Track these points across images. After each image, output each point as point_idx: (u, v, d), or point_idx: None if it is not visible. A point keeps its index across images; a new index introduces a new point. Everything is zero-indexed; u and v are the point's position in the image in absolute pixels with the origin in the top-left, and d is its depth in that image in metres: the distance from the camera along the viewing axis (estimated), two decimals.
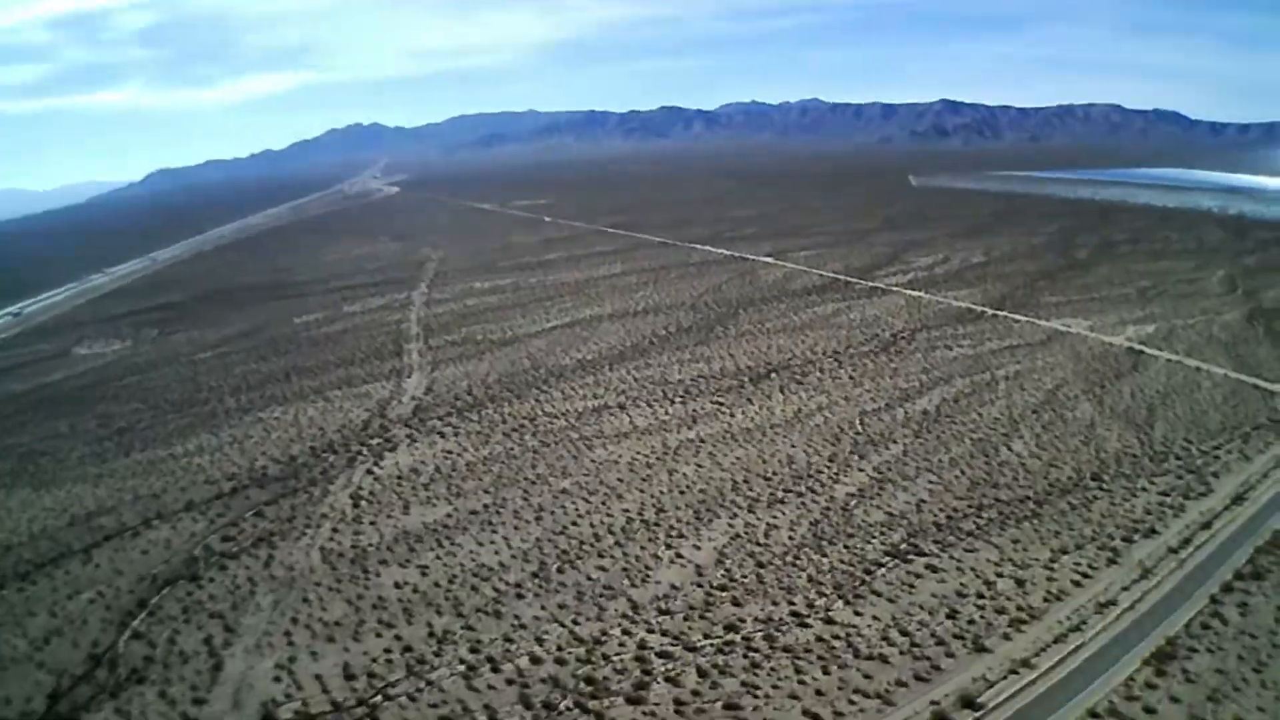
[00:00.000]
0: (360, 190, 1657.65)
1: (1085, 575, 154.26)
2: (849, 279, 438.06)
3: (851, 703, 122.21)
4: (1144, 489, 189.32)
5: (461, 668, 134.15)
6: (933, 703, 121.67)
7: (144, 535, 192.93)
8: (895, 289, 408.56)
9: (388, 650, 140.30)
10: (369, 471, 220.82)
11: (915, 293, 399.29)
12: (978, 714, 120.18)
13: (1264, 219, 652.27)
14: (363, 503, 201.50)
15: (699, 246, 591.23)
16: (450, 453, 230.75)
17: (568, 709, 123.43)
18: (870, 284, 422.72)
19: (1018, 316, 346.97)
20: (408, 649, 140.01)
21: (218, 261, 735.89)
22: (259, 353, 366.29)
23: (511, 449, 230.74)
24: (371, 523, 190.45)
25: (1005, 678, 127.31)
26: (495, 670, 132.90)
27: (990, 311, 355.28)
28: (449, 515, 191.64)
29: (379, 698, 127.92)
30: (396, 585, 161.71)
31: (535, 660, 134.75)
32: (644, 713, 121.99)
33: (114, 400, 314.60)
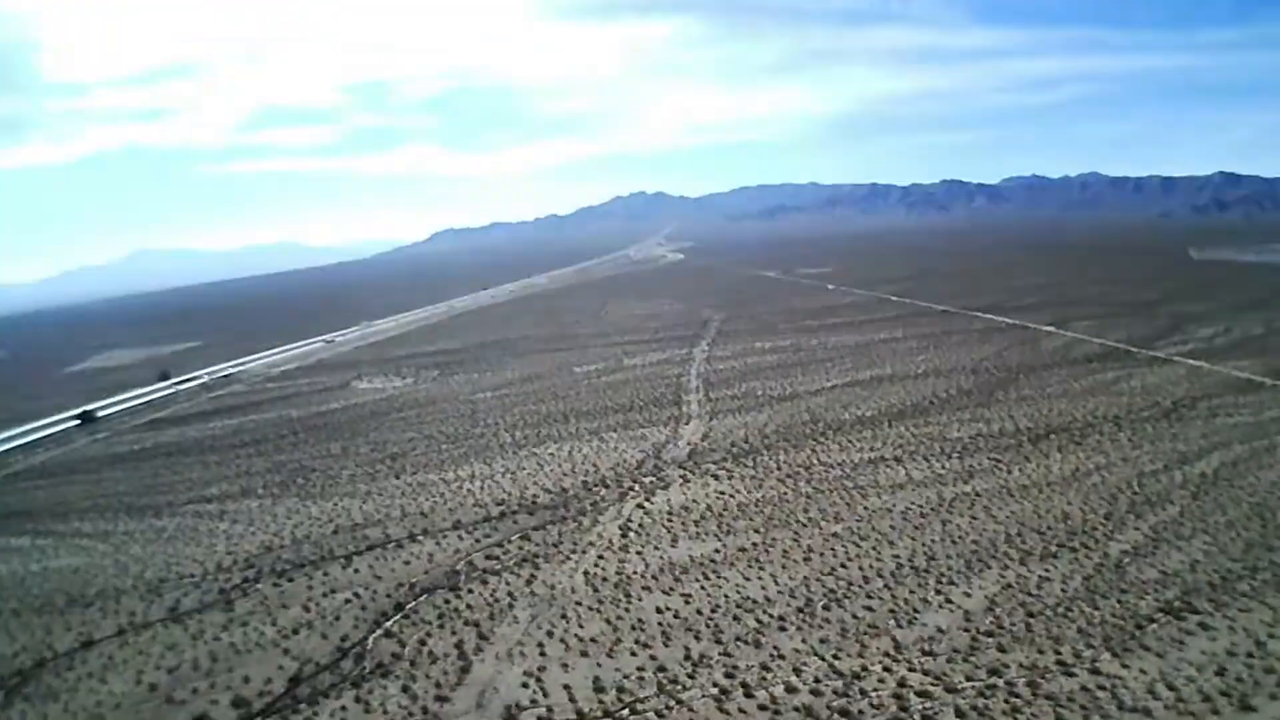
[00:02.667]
0: (644, 256, 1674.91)
1: None
2: (1130, 348, 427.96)
3: None
4: None
5: (714, 690, 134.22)
6: None
7: (408, 548, 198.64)
8: (1176, 358, 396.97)
9: (640, 669, 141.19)
10: (639, 506, 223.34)
11: (1196, 362, 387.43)
12: None
13: None
14: (631, 533, 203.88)
15: (980, 314, 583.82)
16: (723, 493, 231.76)
17: None
18: (1151, 353, 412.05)
19: None
20: (661, 669, 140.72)
21: (500, 315, 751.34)
22: (537, 396, 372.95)
23: (784, 493, 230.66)
24: (638, 552, 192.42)
25: None
26: (748, 696, 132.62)
27: (1270, 382, 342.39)
28: (717, 550, 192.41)
29: (625, 711, 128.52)
30: (658, 610, 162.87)
31: (790, 689, 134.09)
32: None
33: (389, 429, 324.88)
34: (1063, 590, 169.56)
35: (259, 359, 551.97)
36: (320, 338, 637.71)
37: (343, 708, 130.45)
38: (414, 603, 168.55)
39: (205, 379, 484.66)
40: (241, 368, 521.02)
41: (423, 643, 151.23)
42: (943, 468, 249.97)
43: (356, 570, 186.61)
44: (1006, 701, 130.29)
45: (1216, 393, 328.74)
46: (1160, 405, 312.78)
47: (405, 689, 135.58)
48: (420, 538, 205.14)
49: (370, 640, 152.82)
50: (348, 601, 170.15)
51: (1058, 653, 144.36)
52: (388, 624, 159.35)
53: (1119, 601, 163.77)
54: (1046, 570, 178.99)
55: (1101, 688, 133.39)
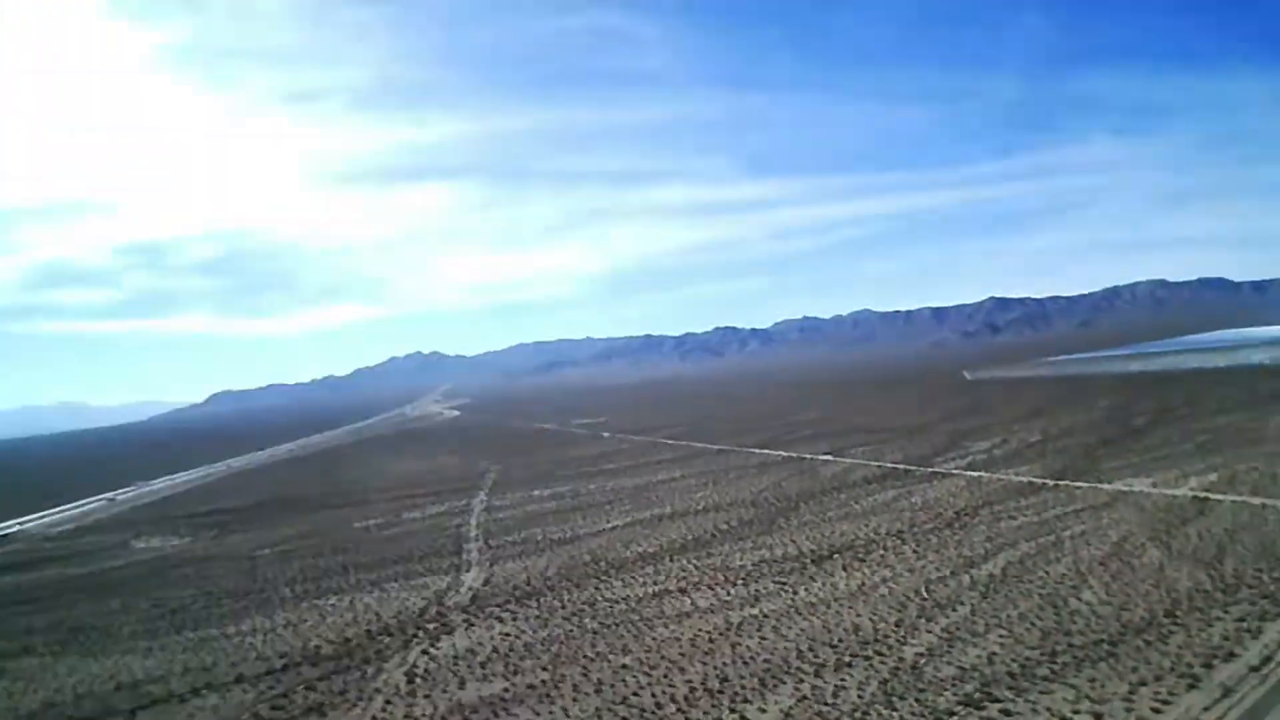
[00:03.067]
0: (421, 414, 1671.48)
1: (1165, 701, 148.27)
2: (908, 467, 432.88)
3: None
4: (1219, 618, 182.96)
5: None
6: None
7: (191, 702, 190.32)
8: (955, 472, 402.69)
9: None
10: (424, 652, 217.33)
11: (975, 473, 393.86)
12: None
13: None
14: (417, 679, 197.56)
15: (757, 450, 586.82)
16: (508, 635, 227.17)
17: None
18: (930, 470, 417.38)
19: (1079, 484, 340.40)
20: None
21: (277, 474, 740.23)
22: (316, 551, 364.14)
23: (570, 630, 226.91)
24: (426, 696, 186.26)
25: None
26: None
27: (1051, 483, 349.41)
28: (506, 689, 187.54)
29: None
30: None
31: None
32: None
33: (169, 586, 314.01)
34: (859, 696, 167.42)
35: (37, 519, 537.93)
36: (99, 498, 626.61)
37: None
38: None
39: None
40: (19, 528, 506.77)
41: None
42: (728, 594, 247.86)
43: None
44: None
45: (998, 499, 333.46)
46: (942, 516, 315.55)
47: None
48: (204, 691, 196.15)
49: None
50: None
51: None
52: None
53: (917, 699, 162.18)
54: (841, 680, 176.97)
55: None
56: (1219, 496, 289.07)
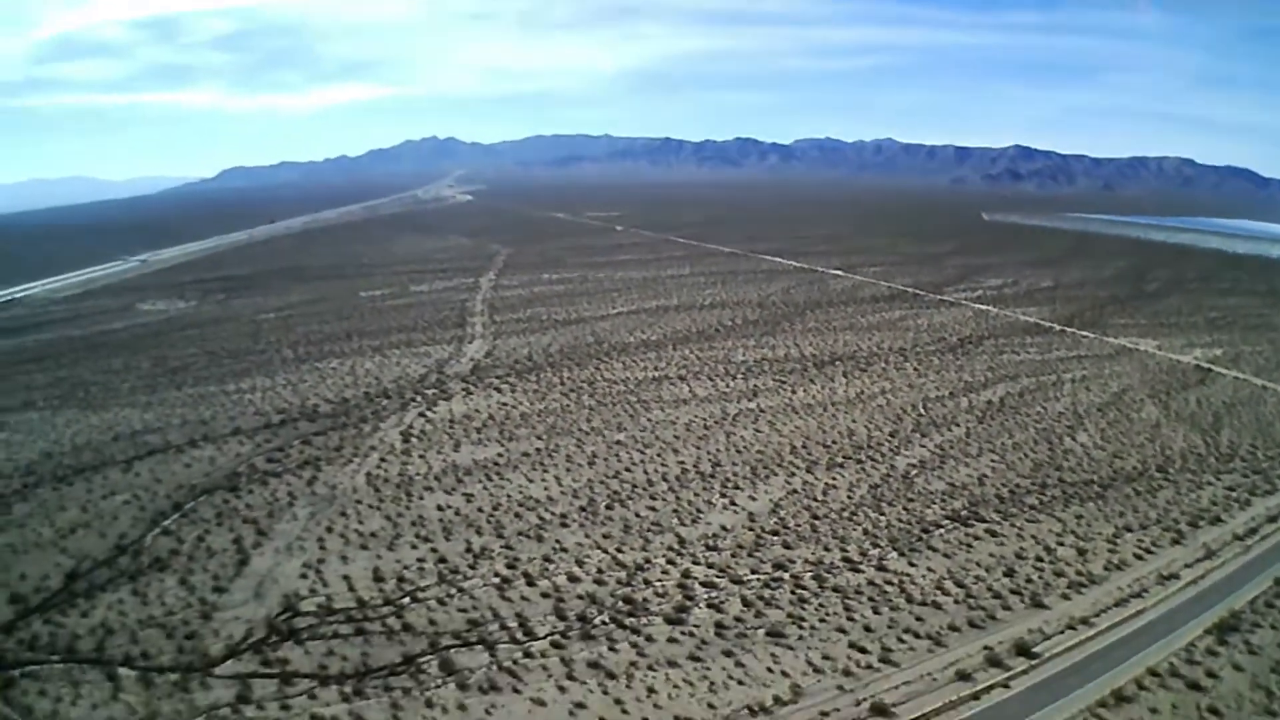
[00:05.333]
0: (434, 196, 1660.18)
1: (1148, 551, 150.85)
2: (917, 292, 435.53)
3: (901, 640, 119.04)
4: (1209, 483, 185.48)
5: (496, 580, 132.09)
6: (986, 648, 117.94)
7: (188, 453, 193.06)
8: (964, 303, 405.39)
9: (421, 560, 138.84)
10: (422, 415, 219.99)
11: (984, 306, 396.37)
12: (1033, 662, 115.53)
13: None
14: (413, 439, 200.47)
15: (768, 257, 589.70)
16: (506, 404, 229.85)
17: (603, 623, 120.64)
18: (939, 297, 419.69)
19: (1085, 333, 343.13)
20: (442, 560, 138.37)
21: (286, 246, 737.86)
22: (321, 317, 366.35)
23: (568, 405, 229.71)
24: (421, 456, 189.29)
25: (1063, 632, 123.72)
26: (530, 584, 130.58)
27: (1058, 327, 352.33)
28: (500, 455, 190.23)
29: (407, 599, 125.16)
30: (439, 508, 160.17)
31: (573, 579, 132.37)
32: (682, 632, 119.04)
33: (171, 346, 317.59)
34: (848, 497, 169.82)
35: (43, 284, 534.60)
36: (105, 264, 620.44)
37: (120, 600, 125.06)
38: (193, 503, 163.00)
39: None
40: (25, 293, 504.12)
41: (201, 539, 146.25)
42: (727, 386, 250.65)
43: (136, 474, 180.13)
44: (793, 593, 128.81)
45: (1003, 333, 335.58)
46: (946, 341, 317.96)
47: (182, 582, 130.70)
48: (200, 443, 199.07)
49: (148, 538, 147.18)
50: (126, 503, 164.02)
51: (844, 551, 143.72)
52: (166, 523, 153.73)
53: (905, 509, 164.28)
54: (832, 479, 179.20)
55: (889, 583, 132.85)
56: (1222, 370, 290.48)
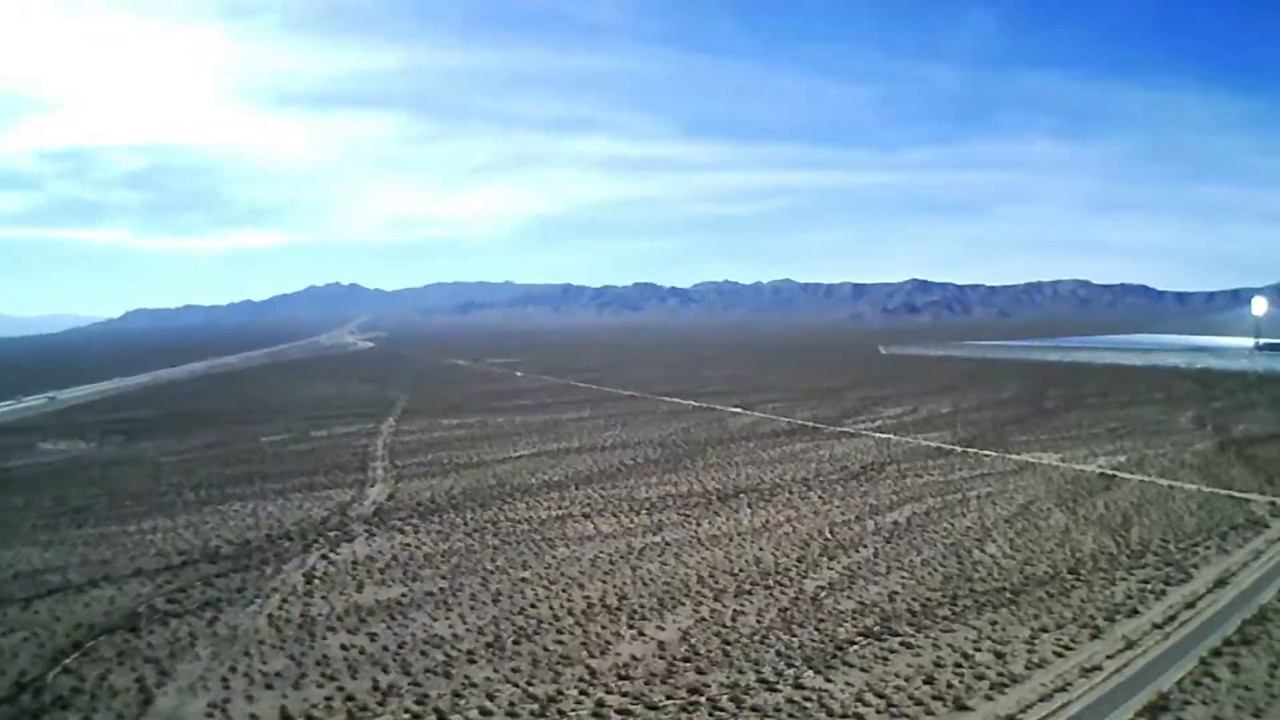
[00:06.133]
0: (336, 343, 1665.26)
1: (1067, 648, 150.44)
2: (817, 425, 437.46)
3: None
4: (1123, 579, 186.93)
5: (406, 717, 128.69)
6: None
7: (88, 592, 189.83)
8: (864, 433, 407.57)
9: (329, 698, 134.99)
10: (324, 557, 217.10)
11: (885, 435, 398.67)
12: None
13: (1230, 371, 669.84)
14: (315, 581, 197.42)
15: (668, 399, 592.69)
16: (409, 545, 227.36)
17: None
18: (839, 429, 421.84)
19: (988, 452, 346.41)
20: (350, 699, 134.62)
21: (188, 390, 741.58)
22: (222, 460, 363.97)
23: (471, 545, 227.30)
24: (323, 597, 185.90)
25: None
26: None
27: (960, 449, 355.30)
28: (403, 594, 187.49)
29: None
30: (343, 647, 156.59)
31: (485, 713, 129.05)
32: None
33: (72, 486, 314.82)
34: (758, 622, 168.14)
35: None
36: (6, 403, 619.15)
37: None
38: (93, 642, 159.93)
39: None
40: None
41: (103, 678, 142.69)
42: (631, 522, 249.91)
43: (36, 612, 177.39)
44: (711, 715, 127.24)
45: (906, 459, 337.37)
46: (849, 469, 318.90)
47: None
48: (101, 583, 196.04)
49: (49, 676, 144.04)
50: (25, 640, 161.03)
51: (759, 672, 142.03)
52: (66, 661, 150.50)
53: (817, 629, 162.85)
54: (741, 605, 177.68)
55: (808, 699, 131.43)
56: (1127, 475, 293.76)
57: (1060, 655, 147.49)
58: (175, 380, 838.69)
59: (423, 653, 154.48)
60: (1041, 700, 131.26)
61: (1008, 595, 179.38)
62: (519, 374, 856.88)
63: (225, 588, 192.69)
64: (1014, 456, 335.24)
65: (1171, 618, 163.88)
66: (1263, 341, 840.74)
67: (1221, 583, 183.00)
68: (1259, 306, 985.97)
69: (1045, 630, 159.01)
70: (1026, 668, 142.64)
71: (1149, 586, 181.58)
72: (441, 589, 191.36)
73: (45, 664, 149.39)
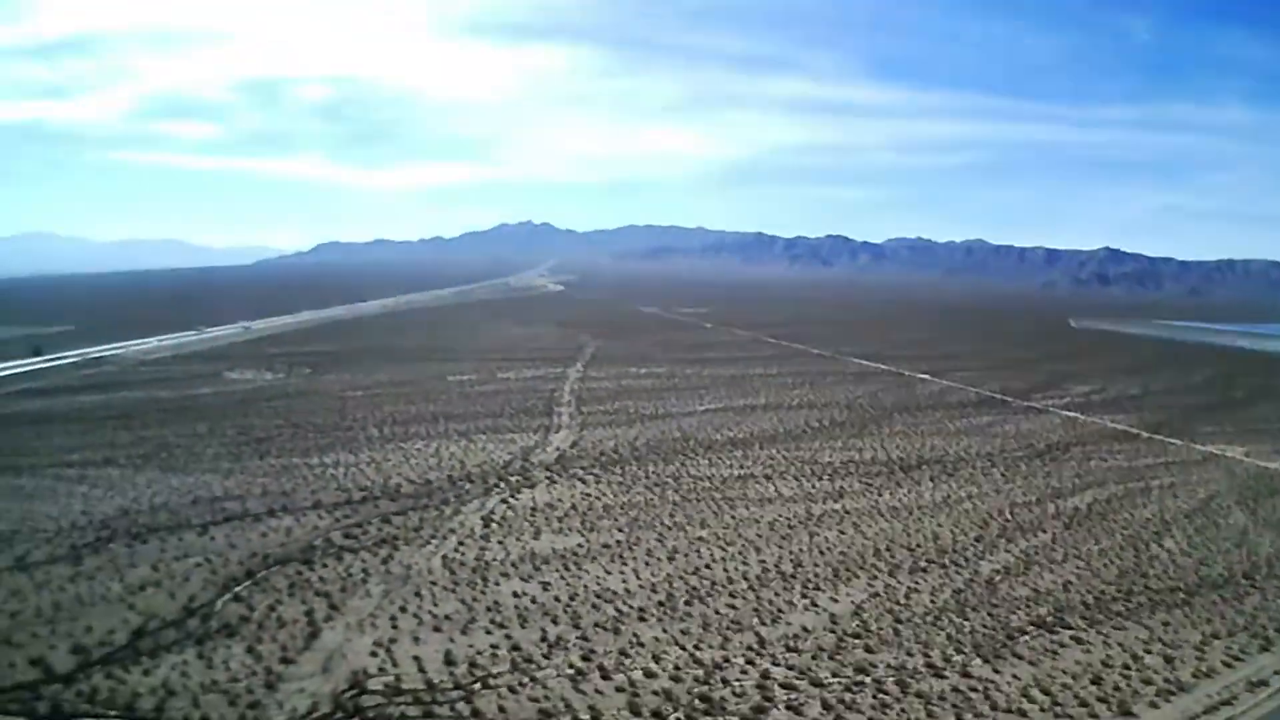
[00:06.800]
0: (525, 285, 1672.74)
1: (1237, 658, 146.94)
2: (1005, 398, 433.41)
3: None
4: None
5: (570, 671, 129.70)
6: None
7: (266, 522, 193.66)
8: (1051, 409, 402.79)
9: (495, 646, 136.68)
10: (504, 501, 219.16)
11: (1071, 414, 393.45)
12: None
13: None
14: (493, 524, 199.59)
15: (856, 360, 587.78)
16: (589, 495, 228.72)
17: None
18: (1026, 404, 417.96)
19: (1173, 440, 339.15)
20: (516, 648, 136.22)
21: (378, 325, 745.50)
22: (408, 398, 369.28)
23: (651, 499, 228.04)
24: (500, 542, 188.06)
25: None
26: (605, 678, 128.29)
27: (1145, 434, 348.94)
28: (580, 545, 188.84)
29: (478, 685, 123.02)
30: (515, 595, 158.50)
31: (650, 675, 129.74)
32: None
33: (257, 415, 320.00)
34: (931, 601, 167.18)
35: (135, 345, 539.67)
36: (198, 331, 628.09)
37: (184, 662, 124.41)
38: (265, 572, 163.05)
39: (78, 359, 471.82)
40: (117, 351, 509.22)
41: (272, 609, 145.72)
42: (813, 487, 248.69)
43: (212, 538, 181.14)
44: (875, 698, 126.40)
45: (1091, 440, 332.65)
46: (1034, 447, 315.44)
47: (250, 650, 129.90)
48: (279, 514, 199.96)
49: (219, 603, 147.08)
50: (199, 565, 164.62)
51: (927, 656, 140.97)
52: (237, 589, 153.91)
53: (989, 614, 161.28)
54: (915, 583, 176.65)
55: (974, 689, 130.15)
56: None
57: (1229, 665, 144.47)
58: (364, 315, 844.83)
59: (594, 606, 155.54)
60: (1206, 712, 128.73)
61: (1182, 596, 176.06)
62: (708, 325, 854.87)
63: (403, 526, 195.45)
64: (1199, 446, 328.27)
65: None
66: None
67: None
68: None
69: (1216, 637, 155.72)
70: (1194, 676, 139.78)
71: None
72: (618, 542, 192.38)
73: (216, 590, 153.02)
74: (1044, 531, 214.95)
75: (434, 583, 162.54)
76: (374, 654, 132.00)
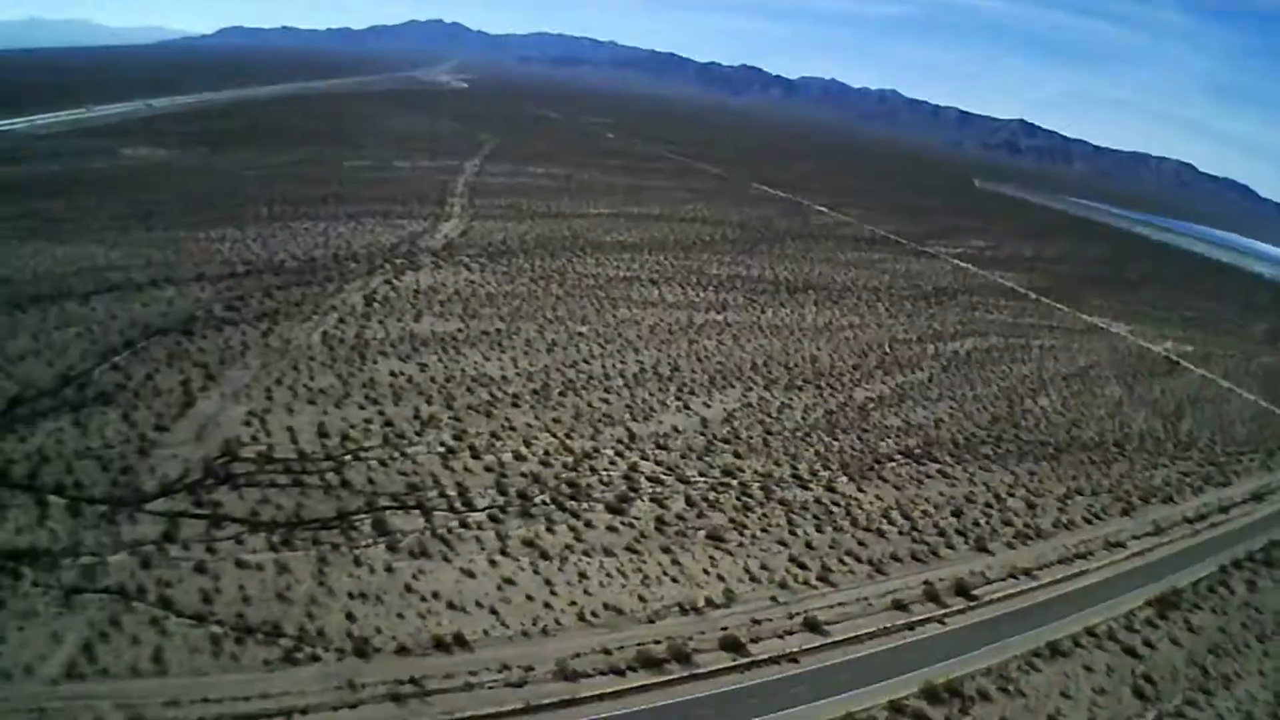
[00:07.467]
0: (430, 80, 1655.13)
1: (1098, 516, 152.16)
2: (899, 239, 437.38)
3: (842, 562, 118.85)
4: (1164, 465, 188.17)
5: (441, 449, 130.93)
6: (925, 582, 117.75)
7: (148, 292, 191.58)
8: (944, 256, 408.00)
9: (368, 421, 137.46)
10: (387, 282, 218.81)
11: (963, 264, 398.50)
12: (971, 603, 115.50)
13: None
14: (375, 304, 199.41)
15: (756, 185, 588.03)
16: (473, 282, 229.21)
17: (543, 503, 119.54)
18: (919, 248, 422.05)
19: (1060, 306, 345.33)
20: (389, 424, 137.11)
21: (278, 108, 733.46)
22: (302, 179, 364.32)
23: (535, 291, 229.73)
24: (380, 321, 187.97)
25: (1004, 579, 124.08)
26: (475, 458, 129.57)
27: (1034, 295, 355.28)
28: (459, 330, 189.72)
29: (348, 457, 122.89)
30: (391, 374, 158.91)
31: (519, 457, 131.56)
32: (623, 522, 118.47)
33: (148, 189, 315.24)
34: (803, 419, 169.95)
35: (28, 119, 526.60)
36: (96, 107, 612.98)
37: (60, 430, 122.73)
38: (145, 342, 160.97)
39: None
40: (9, 127, 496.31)
41: (149, 378, 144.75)
42: (697, 296, 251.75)
43: (93, 308, 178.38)
44: (739, 500, 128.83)
45: (979, 291, 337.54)
46: (921, 289, 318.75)
47: (125, 417, 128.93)
48: (162, 284, 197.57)
49: (96, 372, 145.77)
50: (79, 335, 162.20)
51: (794, 468, 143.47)
52: (116, 358, 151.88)
53: (859, 438, 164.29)
54: (789, 400, 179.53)
55: (836, 504, 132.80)
56: (1190, 366, 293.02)
57: (1089, 522, 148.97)
58: (266, 98, 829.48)
59: (469, 389, 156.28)
60: (1061, 562, 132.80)
61: (1051, 450, 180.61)
62: (610, 135, 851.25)
63: (284, 300, 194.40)
64: (1085, 316, 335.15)
65: (1203, 516, 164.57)
66: None
67: (1258, 497, 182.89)
68: None
69: (1080, 493, 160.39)
70: (1054, 525, 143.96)
71: (1188, 480, 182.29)
72: (499, 330, 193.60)
73: (94, 359, 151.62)
74: (921, 370, 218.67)
75: (312, 357, 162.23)
76: (247, 423, 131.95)
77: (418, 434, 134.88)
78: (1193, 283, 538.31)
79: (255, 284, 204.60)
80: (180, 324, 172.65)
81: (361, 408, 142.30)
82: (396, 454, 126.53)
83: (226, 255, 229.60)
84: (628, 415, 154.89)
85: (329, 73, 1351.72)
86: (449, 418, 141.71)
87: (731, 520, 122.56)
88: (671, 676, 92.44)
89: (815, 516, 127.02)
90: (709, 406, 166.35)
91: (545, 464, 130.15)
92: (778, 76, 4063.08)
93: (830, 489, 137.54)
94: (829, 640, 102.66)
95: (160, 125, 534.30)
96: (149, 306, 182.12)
